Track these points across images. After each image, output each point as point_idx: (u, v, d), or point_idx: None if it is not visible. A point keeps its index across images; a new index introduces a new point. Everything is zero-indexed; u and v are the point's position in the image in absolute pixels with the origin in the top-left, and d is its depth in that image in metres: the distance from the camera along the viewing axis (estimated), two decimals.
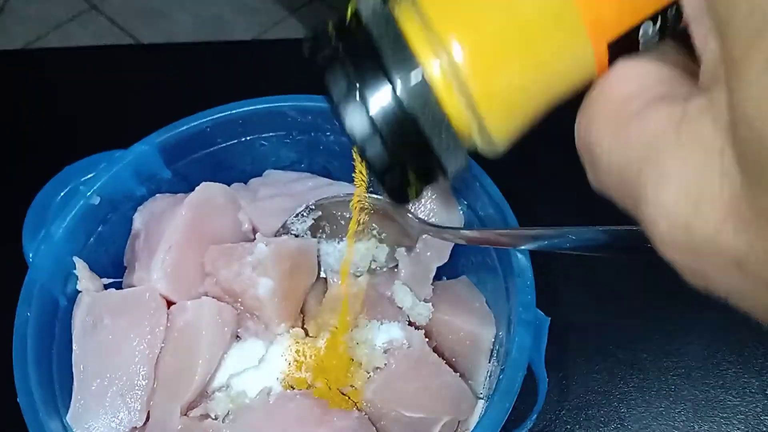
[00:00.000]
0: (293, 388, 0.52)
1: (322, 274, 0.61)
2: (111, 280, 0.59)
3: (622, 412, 0.65)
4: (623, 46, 0.24)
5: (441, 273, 0.62)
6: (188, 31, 1.95)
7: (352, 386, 0.52)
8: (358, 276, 0.60)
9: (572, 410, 0.65)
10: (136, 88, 0.90)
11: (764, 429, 0.64)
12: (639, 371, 0.67)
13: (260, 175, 0.67)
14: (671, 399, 0.66)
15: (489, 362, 0.58)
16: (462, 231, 0.56)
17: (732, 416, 0.65)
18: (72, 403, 0.52)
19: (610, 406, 0.66)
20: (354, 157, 0.46)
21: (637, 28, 0.24)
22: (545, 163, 0.82)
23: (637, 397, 0.66)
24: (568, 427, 0.65)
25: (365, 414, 0.52)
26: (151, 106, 0.70)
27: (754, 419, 0.64)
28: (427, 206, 0.59)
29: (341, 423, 0.49)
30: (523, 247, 0.52)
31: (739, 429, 0.64)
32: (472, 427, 0.53)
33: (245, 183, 0.66)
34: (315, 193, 0.63)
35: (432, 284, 0.61)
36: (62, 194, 0.58)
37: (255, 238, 0.61)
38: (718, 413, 0.65)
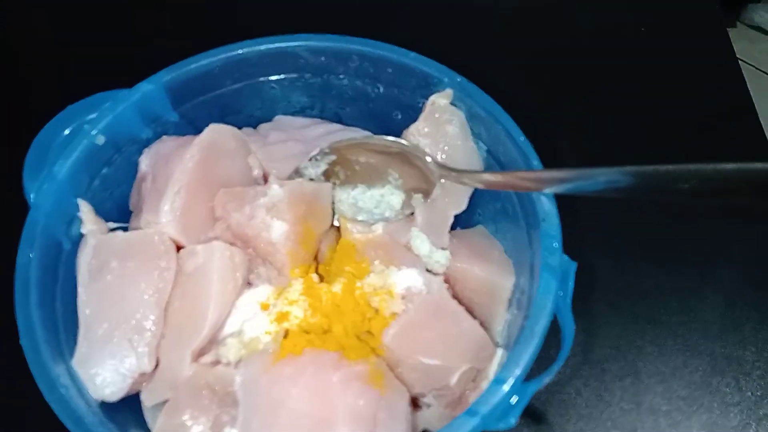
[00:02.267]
0: (309, 334, 0.50)
1: (336, 222, 0.59)
2: (116, 225, 0.57)
3: (639, 366, 0.64)
4: None
5: (456, 223, 0.60)
6: None
7: (369, 332, 0.51)
8: (373, 224, 0.58)
9: (588, 364, 0.64)
10: (141, 26, 0.88)
11: None
12: (655, 326, 0.66)
13: (270, 120, 0.65)
14: (688, 354, 0.65)
15: (507, 311, 0.56)
16: (483, 174, 0.54)
17: (751, 371, 0.64)
18: (77, 347, 0.50)
19: (626, 360, 0.64)
20: None
21: None
22: (568, 108, 0.81)
23: (654, 351, 0.65)
24: (583, 380, 0.63)
25: (383, 360, 0.50)
26: (157, 45, 0.67)
27: None
28: (446, 151, 0.57)
29: (358, 367, 0.47)
30: (547, 191, 0.50)
31: (758, 384, 0.63)
32: (491, 375, 0.52)
33: (254, 128, 0.64)
34: (327, 139, 0.60)
35: (448, 234, 0.59)
36: (65, 133, 0.55)
37: (264, 184, 0.59)
38: (735, 368, 0.64)
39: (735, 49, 0.85)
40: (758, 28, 1.82)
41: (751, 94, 0.81)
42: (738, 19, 1.84)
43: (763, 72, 1.75)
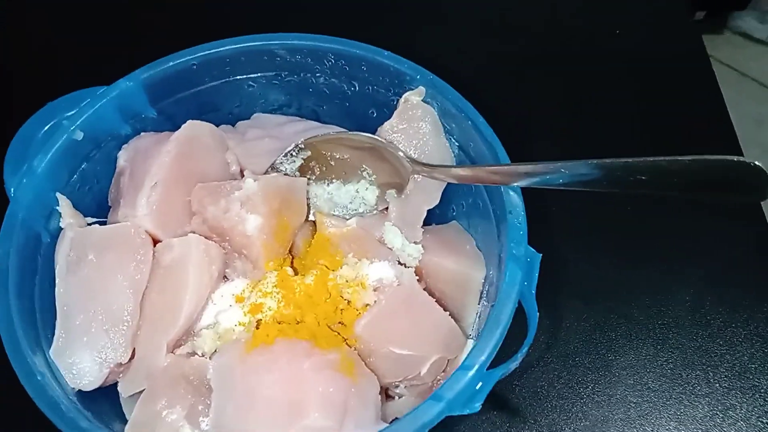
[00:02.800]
0: (281, 324, 0.51)
1: (311, 217, 0.60)
2: (94, 220, 0.58)
3: (610, 359, 0.65)
4: None
5: (431, 219, 0.61)
6: None
7: (341, 323, 0.52)
8: (348, 219, 0.59)
9: (560, 357, 0.65)
10: (121, 24, 0.89)
11: (750, 376, 0.64)
12: (626, 319, 0.67)
13: (248, 118, 0.66)
14: (659, 347, 0.66)
15: (479, 303, 0.57)
16: (453, 169, 0.55)
17: (719, 364, 0.65)
18: (55, 338, 0.51)
19: (598, 353, 0.66)
20: None
21: None
22: (537, 103, 0.82)
23: (625, 344, 0.66)
24: (556, 373, 0.65)
25: (354, 350, 0.51)
26: (135, 43, 0.68)
27: (741, 367, 0.64)
28: (419, 146, 0.58)
29: (330, 356, 0.48)
30: (515, 184, 0.51)
31: (726, 377, 0.64)
32: None
33: (233, 126, 0.65)
34: (304, 136, 0.61)
35: (422, 228, 0.60)
36: (45, 129, 0.56)
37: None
38: (704, 361, 0.65)
39: (721, 55, 0.86)
40: (744, 35, 1.85)
41: (737, 99, 0.83)
42: (724, 26, 1.87)
43: (749, 77, 1.77)
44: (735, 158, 0.42)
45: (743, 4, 1.81)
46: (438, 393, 0.44)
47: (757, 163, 0.41)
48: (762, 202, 0.72)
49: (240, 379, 0.47)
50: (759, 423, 0.62)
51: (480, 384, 0.44)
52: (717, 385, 0.64)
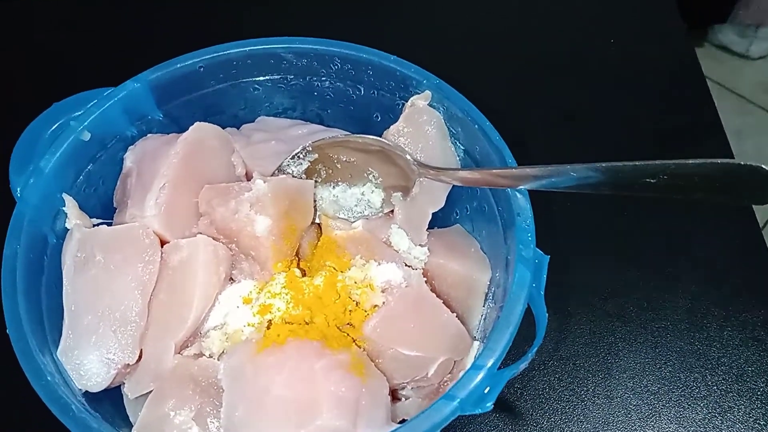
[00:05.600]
0: (291, 324, 0.51)
1: (317, 219, 0.60)
2: (99, 221, 0.58)
3: (610, 362, 0.66)
4: None
5: (433, 223, 0.62)
6: None
7: (350, 324, 0.52)
8: (354, 221, 0.60)
9: (561, 360, 0.66)
10: (128, 25, 0.89)
11: (747, 379, 0.65)
12: (626, 323, 0.68)
13: (252, 121, 0.66)
14: (657, 350, 0.67)
15: (483, 306, 0.58)
16: (460, 172, 0.56)
17: (716, 367, 0.66)
18: (62, 338, 0.51)
19: (598, 356, 0.67)
20: None
21: None
22: (541, 122, 0.83)
23: (624, 347, 0.67)
24: (557, 376, 0.65)
25: (363, 351, 0.51)
26: (141, 46, 0.68)
27: (737, 370, 0.66)
28: (425, 150, 0.59)
29: (341, 356, 0.48)
30: (521, 187, 0.52)
31: (723, 380, 0.65)
32: (467, 367, 0.53)
33: (238, 129, 0.65)
34: (310, 139, 0.62)
35: (426, 231, 0.60)
36: (51, 129, 0.56)
37: (249, 181, 0.60)
38: (702, 364, 0.66)
39: (702, 68, 0.88)
40: (724, 48, 1.88)
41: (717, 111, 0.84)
42: (705, 39, 1.90)
43: (729, 90, 1.81)
44: (741, 162, 0.43)
45: (724, 17, 1.84)
46: (450, 393, 0.44)
47: (764, 166, 0.42)
48: (755, 208, 0.73)
49: (251, 379, 0.48)
50: (757, 425, 0.63)
51: (491, 384, 0.45)
52: (715, 387, 0.65)
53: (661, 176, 0.45)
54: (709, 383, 0.65)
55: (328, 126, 0.66)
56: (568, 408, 0.64)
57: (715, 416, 0.63)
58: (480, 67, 0.87)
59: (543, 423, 0.63)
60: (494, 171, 0.53)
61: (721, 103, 0.85)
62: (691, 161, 0.44)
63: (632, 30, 0.93)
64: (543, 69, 0.88)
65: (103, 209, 0.59)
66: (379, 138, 0.58)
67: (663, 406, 0.64)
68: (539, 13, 0.94)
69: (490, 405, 0.44)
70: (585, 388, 0.65)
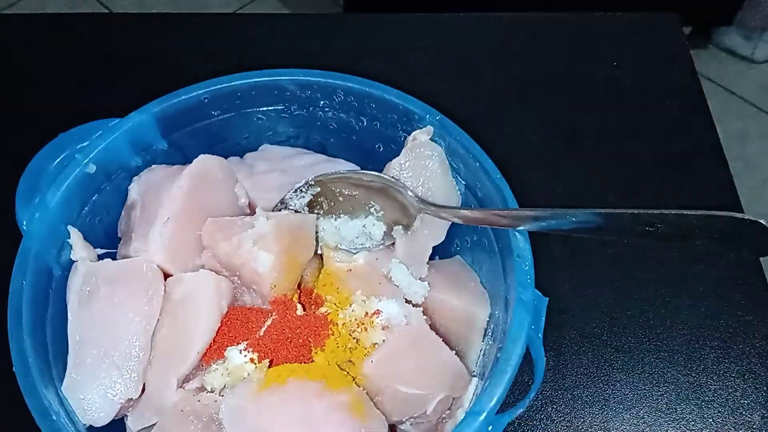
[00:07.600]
0: (292, 363, 0.52)
1: (319, 251, 0.61)
2: (104, 251, 0.59)
3: (607, 394, 0.67)
4: None
5: (435, 253, 0.62)
6: (162, 3, 1.94)
7: (350, 361, 0.53)
8: (355, 253, 0.60)
9: (559, 391, 0.67)
10: (129, 58, 0.89)
11: (743, 412, 0.66)
12: (624, 354, 0.69)
13: (256, 149, 0.67)
14: (654, 382, 0.68)
15: (483, 341, 0.58)
16: (461, 210, 0.56)
17: (713, 399, 0.66)
18: (67, 373, 0.51)
19: (596, 388, 0.67)
20: None
21: None
22: (544, 147, 0.84)
23: (622, 379, 0.68)
24: (555, 407, 0.66)
25: (363, 389, 0.52)
26: (146, 77, 0.69)
27: (734, 403, 0.66)
28: (426, 184, 0.60)
29: (341, 397, 0.49)
30: (521, 228, 0.52)
31: (719, 412, 0.66)
32: (466, 404, 0.54)
33: (241, 157, 0.66)
34: (312, 170, 0.62)
35: (427, 264, 0.61)
36: (57, 161, 0.57)
37: (250, 213, 0.61)
38: (698, 396, 0.67)
39: (706, 71, 0.89)
40: (729, 51, 1.88)
41: (721, 114, 0.85)
42: (710, 42, 1.90)
43: (734, 93, 1.81)
44: (740, 216, 0.43)
45: (729, 20, 1.84)
46: None
47: (761, 221, 0.43)
48: None
49: (252, 420, 0.48)
50: None
51: (490, 428, 0.46)
52: (711, 420, 0.65)
53: (658, 225, 0.46)
54: (705, 415, 0.66)
55: (331, 155, 0.67)
56: None
57: None
58: (480, 88, 0.88)
59: None
60: (495, 212, 0.54)
61: (725, 107, 0.85)
62: (690, 212, 0.45)
63: (635, 53, 0.93)
64: (544, 91, 0.88)
65: (108, 239, 0.60)
66: (381, 174, 0.59)
67: None
68: (538, 41, 0.95)
69: None
70: (582, 420, 0.65)
